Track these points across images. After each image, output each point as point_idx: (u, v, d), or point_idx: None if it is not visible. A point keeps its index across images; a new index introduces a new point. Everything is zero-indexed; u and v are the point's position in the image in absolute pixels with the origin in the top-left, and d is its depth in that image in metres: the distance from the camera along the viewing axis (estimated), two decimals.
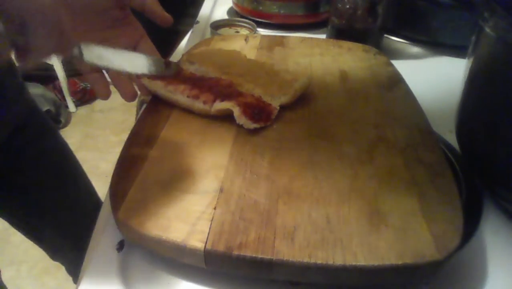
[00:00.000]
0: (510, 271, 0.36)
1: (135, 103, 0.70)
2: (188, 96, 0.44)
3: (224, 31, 0.79)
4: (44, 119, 0.68)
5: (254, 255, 0.29)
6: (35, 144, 0.63)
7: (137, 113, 0.63)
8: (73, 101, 2.16)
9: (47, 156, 0.67)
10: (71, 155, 0.73)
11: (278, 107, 0.44)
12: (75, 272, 0.81)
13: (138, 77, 0.47)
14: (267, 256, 0.29)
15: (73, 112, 2.19)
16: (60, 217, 0.71)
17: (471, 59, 0.41)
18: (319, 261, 0.29)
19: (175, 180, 0.35)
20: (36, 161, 0.64)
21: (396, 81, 0.52)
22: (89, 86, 2.18)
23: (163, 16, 0.44)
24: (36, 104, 0.65)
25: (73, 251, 0.72)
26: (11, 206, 0.66)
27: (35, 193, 0.65)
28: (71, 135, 2.00)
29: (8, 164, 0.59)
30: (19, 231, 0.72)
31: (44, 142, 0.66)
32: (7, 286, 0.81)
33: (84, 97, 2.21)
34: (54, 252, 0.80)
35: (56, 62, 1.96)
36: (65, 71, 2.02)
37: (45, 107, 1.88)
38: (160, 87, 0.45)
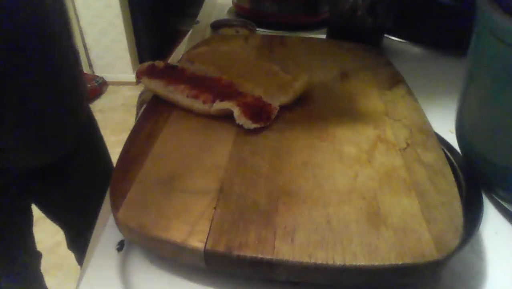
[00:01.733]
0: (510, 271, 0.36)
1: (135, 103, 0.70)
2: (188, 96, 0.44)
3: (224, 31, 0.79)
4: (94, 119, 0.72)
5: (254, 255, 0.29)
6: (84, 146, 0.68)
7: (137, 113, 0.63)
8: None
9: (93, 156, 0.72)
10: (107, 151, 0.79)
11: (278, 107, 0.44)
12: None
13: (138, 76, 0.47)
14: (267, 256, 0.29)
15: None
16: (91, 207, 0.75)
17: (471, 59, 0.41)
18: (319, 261, 0.29)
19: (175, 180, 0.35)
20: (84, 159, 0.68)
21: (396, 81, 0.52)
22: (89, 86, 2.18)
23: None
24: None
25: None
26: (54, 197, 0.70)
27: (76, 187, 0.70)
28: None
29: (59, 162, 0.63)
30: (52, 220, 0.77)
31: (93, 144, 0.72)
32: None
33: None
34: (74, 239, 0.83)
35: None
36: None
37: None
38: (160, 87, 0.45)
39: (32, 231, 0.68)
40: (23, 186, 0.57)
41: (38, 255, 0.74)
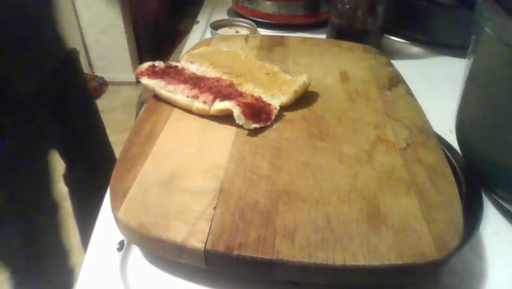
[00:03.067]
0: (510, 271, 0.36)
1: (135, 103, 0.70)
2: (188, 96, 0.44)
3: (224, 31, 0.79)
4: (78, 66, 0.83)
5: (254, 255, 0.29)
6: (74, 80, 0.79)
7: (137, 113, 0.63)
8: None
9: (81, 93, 0.84)
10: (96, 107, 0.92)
11: (278, 107, 0.44)
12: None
13: (138, 76, 0.47)
14: (267, 256, 0.29)
15: None
16: (85, 141, 0.87)
17: (471, 59, 0.41)
18: (319, 261, 0.29)
19: (175, 180, 0.35)
20: (75, 93, 0.80)
21: (396, 81, 0.52)
22: (89, 86, 2.18)
23: None
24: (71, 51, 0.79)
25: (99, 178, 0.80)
26: (56, 131, 0.78)
27: (73, 122, 0.80)
28: None
29: (57, 92, 0.72)
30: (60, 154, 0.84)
31: (79, 83, 0.83)
32: (7, 286, 0.81)
33: None
34: (69, 169, 0.89)
35: None
36: None
37: None
38: (160, 87, 0.45)
39: (50, 177, 0.71)
40: (30, 111, 0.63)
41: (55, 205, 0.73)
